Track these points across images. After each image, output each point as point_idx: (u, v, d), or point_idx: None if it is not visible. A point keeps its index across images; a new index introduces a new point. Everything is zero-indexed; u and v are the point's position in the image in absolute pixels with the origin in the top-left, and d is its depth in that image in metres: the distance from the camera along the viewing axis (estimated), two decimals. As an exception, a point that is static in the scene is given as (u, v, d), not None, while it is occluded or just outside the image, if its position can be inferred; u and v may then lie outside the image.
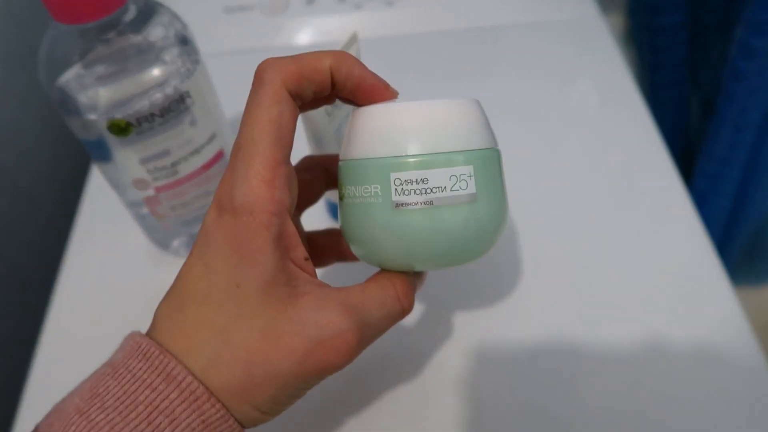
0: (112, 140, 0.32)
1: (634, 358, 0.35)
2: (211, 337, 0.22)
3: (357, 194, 0.24)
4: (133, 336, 0.23)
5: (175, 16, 0.33)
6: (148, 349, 0.22)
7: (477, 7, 0.55)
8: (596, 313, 0.37)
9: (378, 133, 0.24)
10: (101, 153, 0.33)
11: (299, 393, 0.23)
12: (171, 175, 0.35)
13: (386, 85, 0.25)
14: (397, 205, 0.23)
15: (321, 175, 0.29)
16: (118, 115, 0.31)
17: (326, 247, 0.30)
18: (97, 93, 0.31)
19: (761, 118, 0.60)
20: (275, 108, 0.22)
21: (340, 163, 0.25)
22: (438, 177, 0.23)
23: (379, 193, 0.23)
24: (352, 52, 0.32)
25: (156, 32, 0.32)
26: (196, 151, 0.35)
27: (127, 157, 0.33)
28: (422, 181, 0.23)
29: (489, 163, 0.24)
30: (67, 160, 0.60)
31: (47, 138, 0.57)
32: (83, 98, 0.31)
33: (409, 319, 0.37)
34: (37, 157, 0.56)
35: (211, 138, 0.35)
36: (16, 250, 0.53)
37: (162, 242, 0.41)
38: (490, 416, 0.33)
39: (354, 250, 0.26)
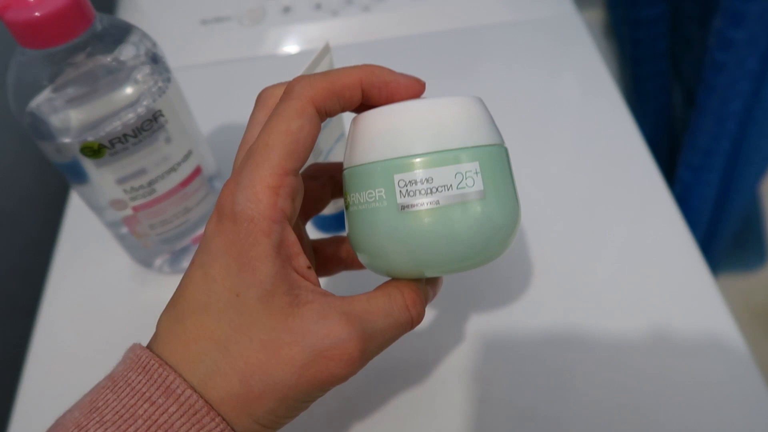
0: (86, 162, 0.32)
1: (619, 351, 0.35)
2: (210, 348, 0.21)
3: (362, 200, 0.23)
4: (133, 348, 0.23)
5: (145, 35, 0.32)
6: (148, 361, 0.21)
7: (454, 9, 0.55)
8: (578, 307, 0.37)
9: (379, 136, 0.23)
10: (76, 175, 0.33)
11: (300, 406, 0.22)
12: (148, 194, 0.34)
13: (416, 80, 0.25)
14: (403, 207, 0.22)
15: (327, 183, 0.29)
16: (90, 138, 0.30)
17: (332, 256, 0.29)
18: (68, 116, 0.31)
19: (742, 107, 0.60)
20: (296, 121, 0.22)
21: (344, 172, 0.25)
22: (443, 175, 0.22)
23: (384, 197, 0.22)
24: (325, 62, 0.32)
25: (126, 52, 0.31)
26: (173, 169, 0.35)
27: (103, 178, 0.33)
28: (427, 180, 0.22)
29: (496, 159, 0.23)
30: (47, 180, 0.59)
31: (27, 158, 0.57)
32: (55, 121, 0.31)
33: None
34: (18, 178, 0.56)
35: (188, 155, 0.35)
36: (1, 271, 0.53)
37: (144, 261, 0.40)
38: (485, 415, 0.33)
39: (362, 259, 0.25)
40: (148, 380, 0.21)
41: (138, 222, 0.36)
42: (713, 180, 0.68)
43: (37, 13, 0.27)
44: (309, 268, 0.23)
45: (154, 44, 0.33)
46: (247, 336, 0.21)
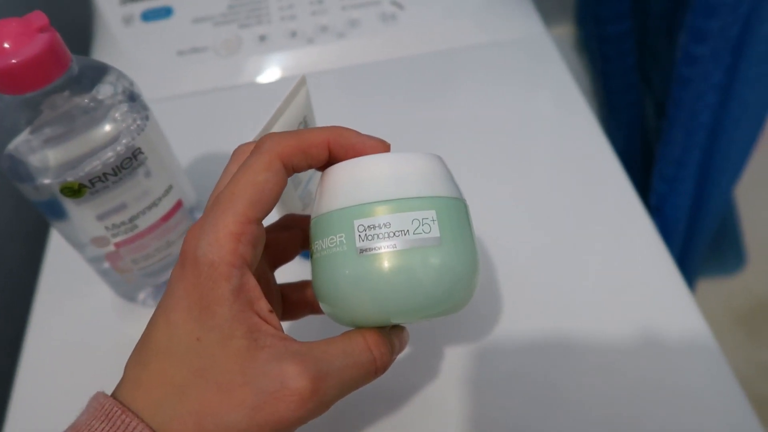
0: (65, 201, 0.32)
1: (597, 361, 0.36)
2: (170, 392, 0.22)
3: (324, 246, 0.24)
4: (96, 397, 0.23)
5: (122, 75, 0.33)
6: (111, 408, 0.22)
7: (427, 33, 0.56)
8: (555, 320, 0.38)
9: (342, 186, 0.24)
10: (55, 213, 0.33)
11: None
12: (130, 230, 0.35)
13: (380, 142, 0.26)
14: (362, 250, 0.23)
15: (298, 234, 0.29)
16: (70, 178, 0.31)
17: (299, 300, 0.30)
18: (46, 156, 0.31)
19: (711, 119, 0.61)
20: (263, 174, 0.23)
21: (311, 222, 0.26)
22: (400, 221, 0.23)
23: (344, 241, 0.23)
24: (301, 94, 0.33)
25: (103, 91, 0.32)
26: (154, 204, 0.35)
27: (83, 216, 0.33)
28: (385, 225, 0.23)
29: (453, 210, 0.24)
30: (27, 216, 0.59)
31: (5, 196, 0.57)
32: (34, 162, 0.31)
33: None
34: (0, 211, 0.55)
35: (168, 190, 0.36)
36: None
37: (128, 295, 0.41)
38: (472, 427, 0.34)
39: (324, 309, 0.25)
40: (110, 427, 0.21)
41: (120, 258, 0.36)
42: (687, 190, 0.70)
43: (13, 60, 0.27)
44: (271, 311, 0.23)
45: (131, 83, 0.33)
46: (204, 379, 0.21)
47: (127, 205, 0.34)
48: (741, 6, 0.51)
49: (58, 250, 0.46)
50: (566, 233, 0.43)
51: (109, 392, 0.23)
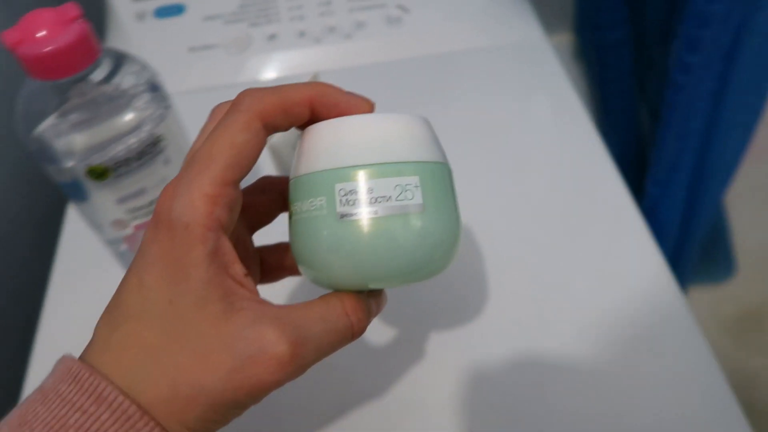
0: (89, 183, 0.34)
1: (589, 365, 0.37)
2: (142, 355, 0.21)
3: (303, 209, 0.23)
4: (63, 360, 0.22)
5: (146, 66, 0.35)
6: (78, 371, 0.21)
7: (430, 36, 0.58)
8: (546, 324, 0.39)
9: (324, 147, 0.23)
10: (78, 195, 0.35)
11: (231, 412, 0.22)
12: (149, 213, 0.36)
13: (364, 101, 0.25)
14: (342, 216, 0.22)
15: (276, 198, 0.29)
16: (96, 161, 0.32)
17: (277, 263, 0.30)
18: (72, 140, 0.33)
19: (703, 124, 0.63)
20: (242, 135, 0.22)
21: (290, 183, 0.25)
22: (383, 186, 0.22)
23: (324, 205, 0.23)
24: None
25: (127, 81, 0.34)
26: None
27: (104, 199, 0.35)
28: (368, 191, 0.22)
29: (437, 175, 0.24)
30: (39, 204, 0.60)
31: (19, 183, 0.58)
32: (60, 145, 0.33)
33: (379, 344, 0.39)
34: (10, 202, 0.57)
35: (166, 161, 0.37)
36: (-6, 295, 0.54)
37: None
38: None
39: (303, 271, 0.25)
40: (79, 389, 0.21)
41: (138, 241, 0.37)
42: (679, 194, 0.72)
43: (47, 49, 0.29)
44: (246, 275, 0.23)
45: (154, 74, 0.35)
46: (178, 343, 0.21)
47: (146, 190, 0.35)
48: (732, 17, 0.53)
49: (72, 236, 0.48)
50: (561, 235, 0.44)
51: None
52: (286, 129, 0.24)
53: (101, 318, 0.23)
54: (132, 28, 0.58)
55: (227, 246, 0.22)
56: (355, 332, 0.24)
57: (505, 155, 0.50)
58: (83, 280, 0.44)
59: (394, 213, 0.22)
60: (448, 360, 0.38)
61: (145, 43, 0.57)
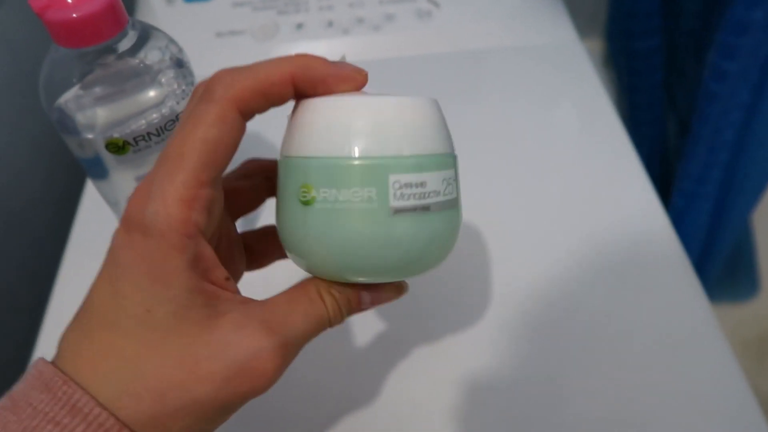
0: (108, 158, 0.33)
1: (612, 380, 0.36)
2: (119, 366, 0.20)
3: (341, 198, 0.21)
4: (36, 364, 0.21)
5: (171, 41, 0.34)
6: (51, 378, 0.20)
7: (460, 32, 0.57)
8: (575, 335, 0.38)
9: (365, 129, 0.21)
10: (97, 170, 0.34)
11: (219, 419, 0.21)
12: (166, 192, 0.36)
13: (356, 72, 0.23)
14: (396, 210, 0.21)
15: (261, 184, 0.27)
16: (116, 135, 0.32)
17: (264, 249, 0.28)
18: (94, 113, 0.32)
19: (734, 137, 0.62)
20: (215, 129, 0.20)
21: (297, 160, 0.22)
22: (434, 181, 0.21)
23: (374, 198, 0.21)
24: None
25: (152, 55, 0.33)
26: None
27: (123, 175, 0.34)
28: (421, 185, 0.21)
29: (457, 168, 0.24)
30: (57, 182, 0.60)
31: (38, 161, 0.58)
32: (81, 118, 0.32)
33: (380, 350, 0.38)
34: (29, 179, 0.57)
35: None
36: (8, 272, 0.53)
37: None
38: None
39: (307, 261, 0.23)
40: (51, 398, 0.19)
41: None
42: (706, 208, 0.70)
43: (74, 14, 0.28)
44: (227, 279, 0.22)
45: (180, 50, 0.34)
46: (159, 353, 0.20)
47: (165, 168, 0.35)
48: (773, 25, 0.52)
49: (87, 217, 0.47)
50: (587, 238, 0.43)
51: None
52: (267, 110, 0.22)
53: (71, 325, 0.22)
54: (161, 11, 0.57)
55: (207, 252, 0.21)
56: (332, 324, 0.24)
57: (535, 157, 0.49)
58: (96, 261, 0.44)
59: (443, 209, 0.22)
60: (449, 364, 0.37)
61: (174, 26, 0.57)
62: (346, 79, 0.22)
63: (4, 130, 0.54)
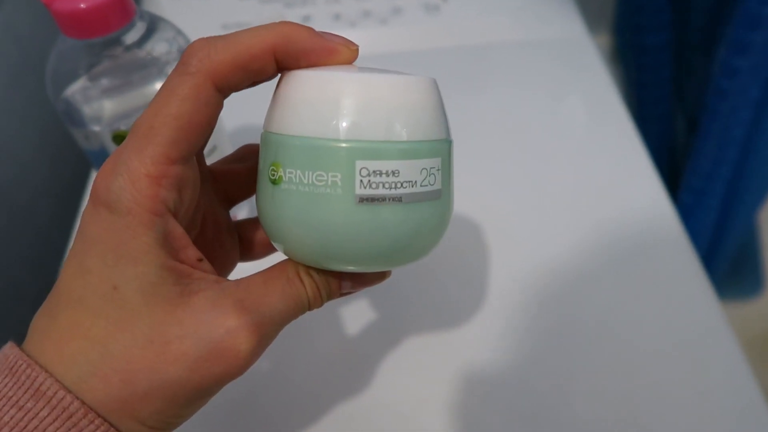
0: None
1: (619, 375, 0.36)
2: (85, 347, 0.19)
3: (305, 181, 0.20)
4: (3, 349, 0.20)
5: (179, 32, 0.34)
6: (15, 361, 0.19)
7: (468, 26, 0.57)
8: (582, 329, 0.38)
9: (337, 108, 0.19)
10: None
11: (194, 404, 0.20)
12: (172, 185, 0.35)
13: (345, 46, 0.21)
14: (362, 199, 0.19)
15: (255, 167, 0.25)
16: (123, 127, 0.32)
17: (260, 238, 0.27)
18: (101, 105, 0.32)
19: (744, 134, 0.61)
20: (189, 104, 0.19)
21: (271, 135, 0.21)
22: (410, 170, 0.20)
23: (339, 184, 0.19)
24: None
25: (160, 47, 0.33)
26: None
27: (130, 168, 0.34)
28: (393, 173, 0.20)
29: (449, 154, 0.22)
30: (62, 174, 0.60)
31: (43, 152, 0.58)
32: (88, 110, 0.32)
33: (383, 345, 0.38)
34: (34, 171, 0.57)
35: (212, 150, 0.36)
36: (12, 264, 0.53)
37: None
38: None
39: (283, 245, 0.22)
40: (15, 383, 0.18)
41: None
42: (713, 205, 0.70)
43: (82, 5, 0.28)
44: (200, 260, 0.21)
45: (188, 41, 0.34)
46: (128, 332, 0.19)
47: (172, 161, 0.35)
48: (785, 21, 0.51)
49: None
50: (595, 233, 0.43)
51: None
52: (247, 86, 0.21)
53: (41, 308, 0.21)
54: (168, 2, 0.57)
55: (177, 231, 0.20)
56: (312, 307, 0.22)
57: (544, 151, 0.48)
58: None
59: (417, 200, 0.20)
60: (453, 358, 0.37)
61: (180, 18, 0.56)
62: (332, 51, 0.21)
63: (11, 122, 0.53)
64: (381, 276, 0.24)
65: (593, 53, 0.56)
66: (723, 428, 0.34)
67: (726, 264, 0.82)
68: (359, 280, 0.24)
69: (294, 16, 0.56)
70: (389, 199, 0.20)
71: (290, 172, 0.20)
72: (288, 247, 0.22)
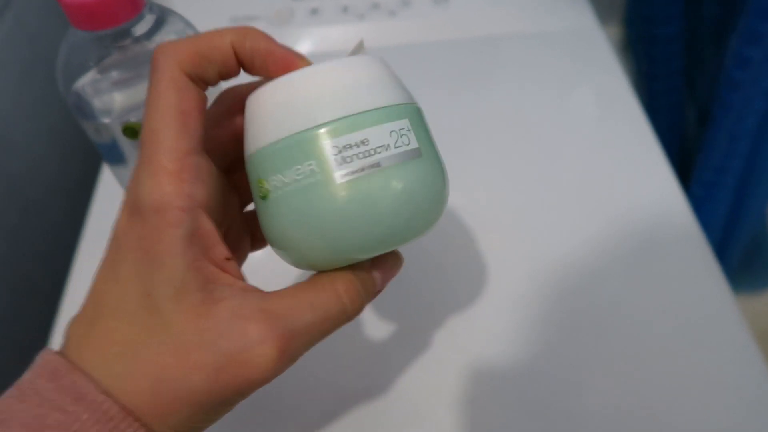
0: (125, 143, 0.33)
1: (632, 367, 0.36)
2: (121, 351, 0.20)
3: (287, 180, 0.20)
4: (43, 354, 0.21)
5: (188, 24, 0.34)
6: (57, 366, 0.20)
7: (478, 18, 0.56)
8: (594, 322, 0.38)
9: (293, 105, 0.20)
10: (114, 156, 0.34)
11: (220, 410, 0.21)
12: (182, 178, 0.35)
13: (298, 56, 0.22)
14: (342, 176, 0.20)
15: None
16: (133, 119, 0.32)
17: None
18: (111, 97, 0.32)
19: (756, 126, 0.61)
20: (173, 94, 0.20)
21: (251, 157, 0.21)
22: (378, 135, 0.20)
23: (316, 170, 0.20)
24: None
25: (169, 39, 0.33)
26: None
27: (140, 161, 0.34)
28: (363, 143, 0.20)
29: (419, 117, 0.22)
30: (73, 169, 0.60)
31: (55, 148, 0.58)
32: (98, 103, 0.32)
33: (389, 341, 0.38)
34: (46, 166, 0.57)
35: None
36: (25, 259, 0.54)
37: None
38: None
39: (291, 256, 0.22)
40: (56, 386, 0.19)
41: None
42: (725, 198, 0.69)
43: (92, -4, 0.28)
44: (228, 259, 0.21)
45: (196, 33, 0.34)
46: (157, 339, 0.19)
47: (181, 153, 0.35)
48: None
49: (103, 203, 0.47)
50: (607, 225, 0.43)
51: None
52: (218, 80, 0.22)
53: (77, 315, 0.21)
54: (175, -4, 0.57)
55: (207, 226, 0.21)
56: (349, 315, 0.22)
57: (555, 143, 0.48)
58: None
59: (397, 162, 0.20)
60: (463, 352, 0.36)
61: (189, 10, 0.56)
62: (288, 61, 0.22)
63: (22, 117, 0.54)
64: (396, 258, 0.24)
65: (604, 45, 0.55)
66: (736, 420, 0.34)
67: (738, 257, 0.81)
68: (381, 268, 0.23)
69: (302, 9, 0.56)
70: (367, 168, 0.20)
71: (274, 180, 0.20)
72: (297, 256, 0.22)
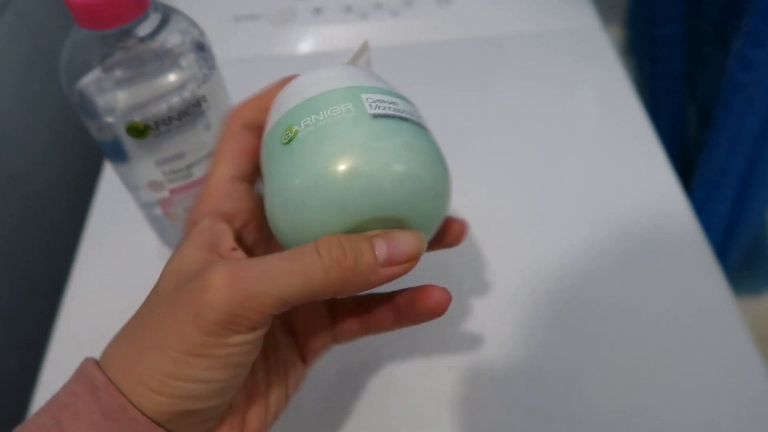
0: (128, 142, 0.33)
1: (632, 368, 0.36)
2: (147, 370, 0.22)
3: (321, 117, 0.22)
4: (83, 365, 0.24)
5: (193, 24, 0.34)
6: (89, 369, 0.23)
7: (481, 18, 0.56)
8: (594, 323, 0.38)
9: (337, 72, 0.25)
10: (117, 154, 0.34)
11: (192, 361, 0.21)
12: (186, 177, 0.35)
13: None
14: (375, 116, 0.22)
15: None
16: (137, 118, 0.32)
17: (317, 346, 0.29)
18: (115, 97, 0.32)
19: (758, 127, 0.61)
20: (229, 142, 0.26)
21: (279, 120, 0.24)
22: (404, 104, 0.24)
23: (352, 109, 0.23)
24: (363, 59, 0.33)
25: (173, 39, 0.33)
26: (210, 155, 0.36)
27: (143, 159, 0.34)
28: (392, 103, 0.24)
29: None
30: (74, 166, 0.60)
31: (56, 145, 0.58)
32: (101, 101, 0.32)
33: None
34: (47, 163, 0.57)
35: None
36: (26, 256, 0.54)
37: (173, 243, 0.41)
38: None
39: (300, 218, 0.22)
40: (95, 400, 0.22)
41: (173, 204, 0.37)
42: (726, 199, 0.69)
43: (96, -5, 0.28)
44: (234, 249, 0.24)
45: (201, 33, 0.34)
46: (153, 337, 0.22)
47: (185, 153, 0.35)
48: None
49: (104, 201, 0.47)
50: (608, 225, 0.43)
51: None
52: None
53: (123, 329, 0.25)
54: (177, -6, 0.57)
55: (221, 226, 0.24)
56: (330, 274, 0.21)
57: (556, 144, 0.48)
58: (113, 244, 0.44)
59: (417, 122, 0.24)
60: (464, 353, 0.37)
61: (191, 9, 0.56)
62: None
63: (24, 115, 0.54)
64: (409, 235, 0.23)
65: (606, 45, 0.55)
66: (735, 421, 0.34)
67: (739, 258, 0.81)
68: (388, 238, 0.22)
69: (305, 8, 0.56)
70: (397, 117, 0.23)
71: (305, 121, 0.23)
72: (306, 219, 0.22)
